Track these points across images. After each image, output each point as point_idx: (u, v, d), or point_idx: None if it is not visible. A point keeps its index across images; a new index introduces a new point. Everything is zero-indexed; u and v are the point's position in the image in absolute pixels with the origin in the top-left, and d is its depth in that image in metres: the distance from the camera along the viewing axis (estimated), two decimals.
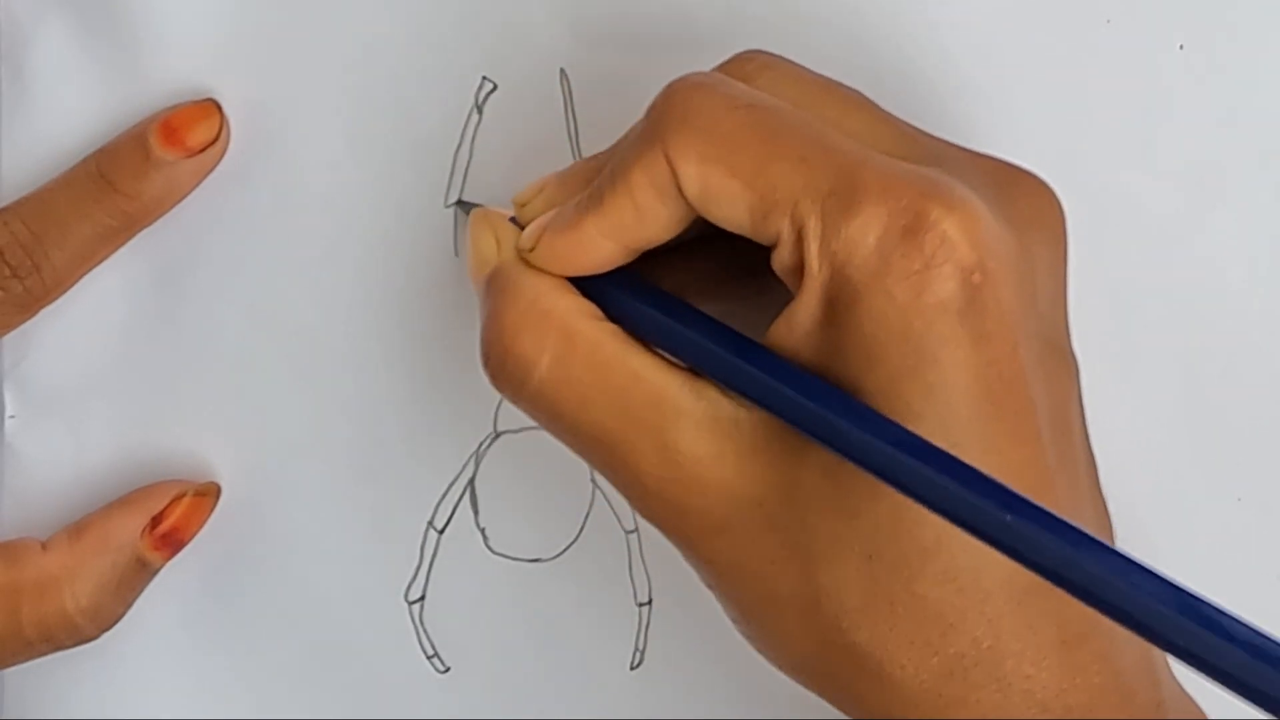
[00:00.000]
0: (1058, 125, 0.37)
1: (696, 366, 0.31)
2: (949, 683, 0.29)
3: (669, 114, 0.30)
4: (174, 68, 0.38)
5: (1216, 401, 0.38)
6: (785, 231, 0.29)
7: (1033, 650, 0.29)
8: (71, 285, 0.38)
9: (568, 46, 0.38)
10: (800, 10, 0.37)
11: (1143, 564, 0.25)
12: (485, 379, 0.32)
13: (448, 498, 0.39)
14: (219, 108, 0.37)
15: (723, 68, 0.32)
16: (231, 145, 0.38)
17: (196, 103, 0.37)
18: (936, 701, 0.29)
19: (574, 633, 0.39)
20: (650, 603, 0.39)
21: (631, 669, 0.39)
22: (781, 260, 0.30)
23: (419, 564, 0.39)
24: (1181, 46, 0.37)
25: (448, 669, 0.39)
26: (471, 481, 0.39)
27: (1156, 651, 0.31)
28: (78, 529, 0.37)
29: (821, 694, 0.30)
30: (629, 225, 0.31)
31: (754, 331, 0.31)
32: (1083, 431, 0.32)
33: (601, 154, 0.34)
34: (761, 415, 0.30)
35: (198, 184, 0.38)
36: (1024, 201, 0.31)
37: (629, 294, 0.32)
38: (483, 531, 0.39)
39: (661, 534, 0.31)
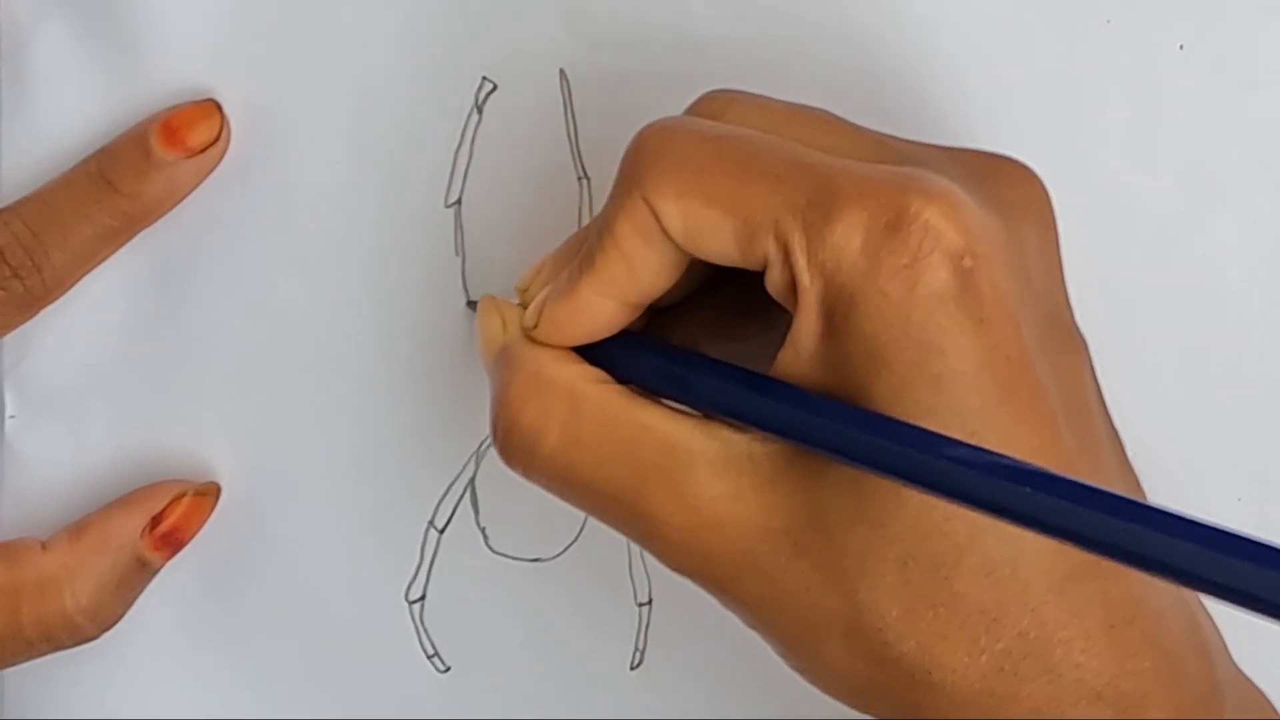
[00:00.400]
0: (1058, 125, 0.37)
1: (707, 408, 0.31)
2: (1000, 679, 0.28)
3: (641, 159, 0.30)
4: (174, 68, 0.38)
5: (1216, 401, 0.38)
6: (772, 251, 0.29)
7: (1080, 637, 0.28)
8: (72, 285, 0.38)
9: (568, 46, 0.38)
10: (799, 12, 0.37)
11: (1175, 511, 0.25)
12: (486, 381, 0.32)
13: (448, 498, 0.39)
14: (219, 108, 0.37)
15: (690, 109, 0.33)
16: (231, 145, 0.38)
17: (197, 103, 0.37)
18: (989, 701, 0.29)
19: (574, 633, 0.39)
20: (650, 603, 0.39)
21: (631, 669, 0.39)
22: (774, 282, 0.30)
23: (419, 564, 0.39)
24: (1181, 46, 0.37)
25: (448, 669, 0.39)
26: (472, 481, 0.39)
27: (1209, 632, 0.31)
28: (78, 529, 0.37)
29: (878, 714, 0.30)
30: (622, 279, 0.31)
31: (766, 368, 0.31)
32: (1101, 409, 0.32)
33: (590, 223, 0.34)
34: (774, 446, 0.30)
35: (198, 184, 0.38)
36: (1007, 188, 0.31)
37: (632, 352, 0.32)
38: (483, 531, 0.39)
39: (694, 584, 0.31)
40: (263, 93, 0.38)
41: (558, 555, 0.39)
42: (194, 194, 0.38)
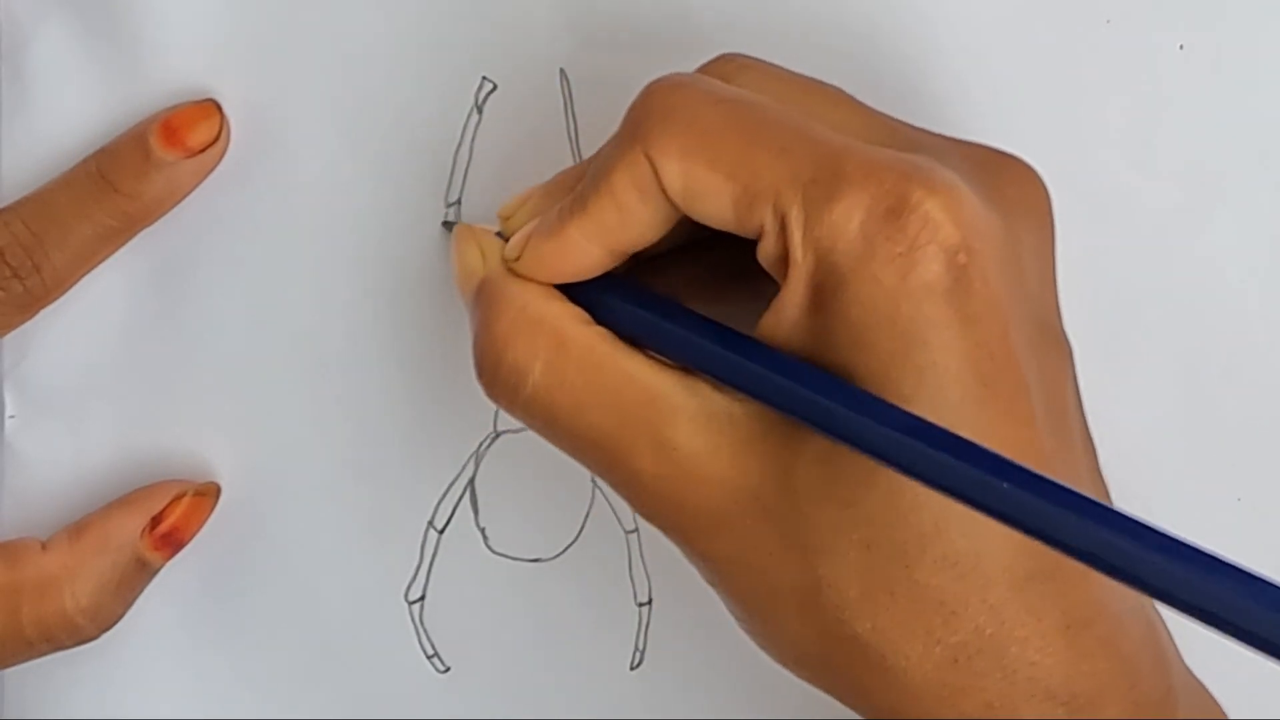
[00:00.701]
0: (1057, 125, 0.37)
1: (688, 363, 0.31)
2: (953, 672, 0.29)
3: (649, 113, 0.30)
4: (174, 68, 0.38)
5: (1216, 401, 0.38)
6: (769, 222, 0.29)
7: (1037, 637, 0.28)
8: (72, 285, 0.38)
9: (568, 46, 0.38)
10: (799, 11, 0.37)
11: (1146, 522, 0.25)
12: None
13: (448, 498, 0.39)
14: (219, 108, 0.37)
15: (703, 69, 0.33)
16: (231, 145, 0.38)
17: (196, 103, 0.37)
18: (940, 692, 0.29)
19: (574, 633, 0.39)
20: (650, 603, 0.39)
21: (631, 669, 0.39)
22: (766, 252, 0.30)
23: (419, 564, 0.39)
24: (1181, 46, 0.37)
25: (448, 669, 0.39)
26: (471, 481, 0.39)
27: (1164, 637, 0.31)
28: (78, 529, 0.37)
29: (826, 689, 0.30)
30: (612, 227, 0.31)
31: (747, 332, 0.31)
32: (1080, 415, 0.32)
33: (584, 162, 0.34)
34: (755, 408, 0.30)
35: (198, 184, 0.38)
36: (1009, 186, 0.31)
37: (617, 297, 0.32)
38: (483, 531, 0.39)
39: (662, 533, 0.31)
40: (263, 93, 0.38)
41: (558, 555, 0.39)
42: (194, 194, 0.38)
